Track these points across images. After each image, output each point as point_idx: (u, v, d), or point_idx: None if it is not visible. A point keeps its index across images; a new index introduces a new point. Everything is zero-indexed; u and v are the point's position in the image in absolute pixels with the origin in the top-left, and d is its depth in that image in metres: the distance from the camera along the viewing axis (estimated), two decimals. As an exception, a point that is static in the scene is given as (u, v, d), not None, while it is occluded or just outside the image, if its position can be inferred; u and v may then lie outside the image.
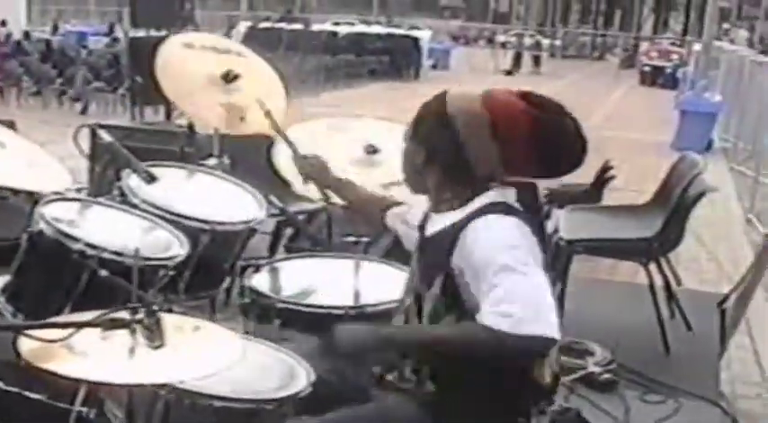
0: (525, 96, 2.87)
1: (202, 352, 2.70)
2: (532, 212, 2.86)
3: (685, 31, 52.54)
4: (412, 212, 3.23)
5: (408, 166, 3.00)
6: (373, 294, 3.58)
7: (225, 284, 4.45)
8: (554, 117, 2.86)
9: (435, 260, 2.83)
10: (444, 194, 2.92)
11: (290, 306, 3.54)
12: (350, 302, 3.55)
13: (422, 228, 3.02)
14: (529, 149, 2.83)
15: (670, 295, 6.16)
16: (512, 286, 2.60)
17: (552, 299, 2.66)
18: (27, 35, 24.50)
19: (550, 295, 2.66)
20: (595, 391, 5.09)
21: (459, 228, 2.77)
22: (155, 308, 2.43)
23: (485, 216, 2.75)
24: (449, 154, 2.85)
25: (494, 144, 2.81)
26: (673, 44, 41.26)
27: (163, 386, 2.78)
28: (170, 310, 3.03)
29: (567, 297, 5.89)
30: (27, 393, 3.08)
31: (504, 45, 41.15)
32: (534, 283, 2.64)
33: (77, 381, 2.56)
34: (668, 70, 32.05)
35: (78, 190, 5.29)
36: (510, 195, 2.84)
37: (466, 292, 2.74)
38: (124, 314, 2.45)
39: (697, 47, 22.71)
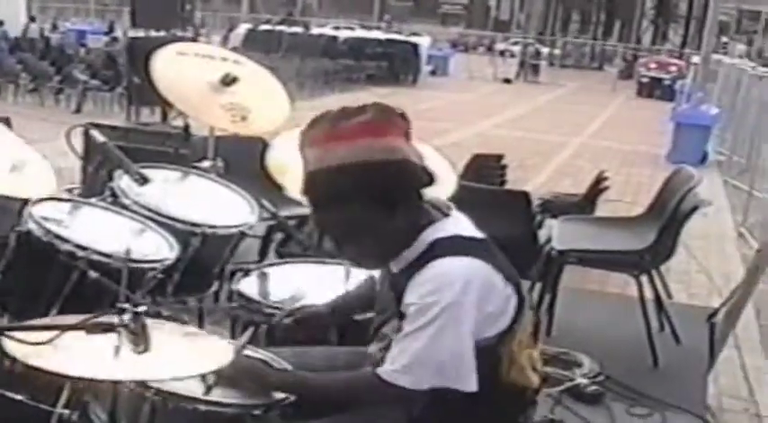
0: None
1: (190, 357, 2.70)
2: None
3: (684, 44, 52.75)
4: None
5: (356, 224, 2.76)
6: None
7: (214, 288, 4.44)
8: None
9: (393, 299, 2.83)
10: (384, 245, 2.81)
11: (278, 311, 3.53)
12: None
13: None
14: None
15: (660, 308, 6.15)
16: (418, 345, 2.65)
17: (451, 355, 2.66)
18: (26, 32, 24.52)
19: (451, 352, 2.65)
20: (582, 402, 5.09)
21: (415, 270, 2.72)
22: (140, 313, 2.42)
23: (438, 260, 2.68)
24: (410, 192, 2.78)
25: None
26: (671, 56, 41.35)
27: (148, 387, 2.77)
28: (159, 314, 3.03)
29: (557, 307, 5.90)
30: (9, 394, 3.06)
31: (502, 53, 41.18)
32: (448, 343, 2.64)
33: (60, 376, 2.55)
34: (666, 82, 32.08)
35: (70, 190, 5.30)
36: (456, 221, 2.82)
37: None
38: (110, 317, 2.44)
39: (695, 59, 22.78)
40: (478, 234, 2.82)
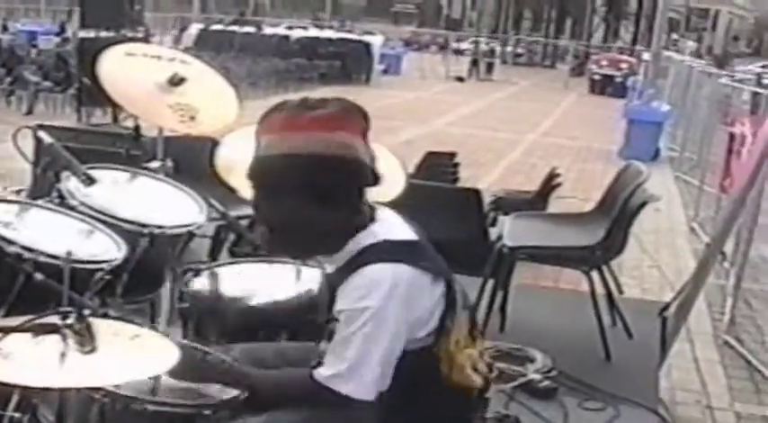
0: None
1: (136, 357, 2.68)
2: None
3: (635, 41, 53.13)
4: None
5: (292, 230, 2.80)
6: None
7: (164, 288, 4.42)
8: None
9: (326, 302, 2.86)
10: (319, 244, 2.85)
11: (230, 310, 3.53)
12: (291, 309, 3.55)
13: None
14: None
15: (612, 303, 6.19)
16: (350, 350, 2.67)
17: (381, 361, 2.68)
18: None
19: (382, 357, 2.68)
20: (535, 398, 5.11)
21: (345, 275, 2.73)
22: (85, 312, 2.40)
23: (366, 267, 2.69)
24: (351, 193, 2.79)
25: None
26: (622, 53, 41.64)
27: (96, 389, 2.75)
28: (106, 314, 3.01)
29: (510, 304, 5.92)
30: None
31: (462, 52, 41.34)
32: (376, 349, 2.67)
33: (6, 386, 2.53)
34: (618, 79, 32.33)
35: (18, 191, 5.26)
36: (387, 224, 2.82)
37: None
38: (55, 319, 2.42)
39: (646, 56, 22.95)
40: (409, 235, 2.83)
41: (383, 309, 2.64)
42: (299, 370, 2.82)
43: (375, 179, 2.75)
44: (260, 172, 2.73)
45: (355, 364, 2.66)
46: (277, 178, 2.70)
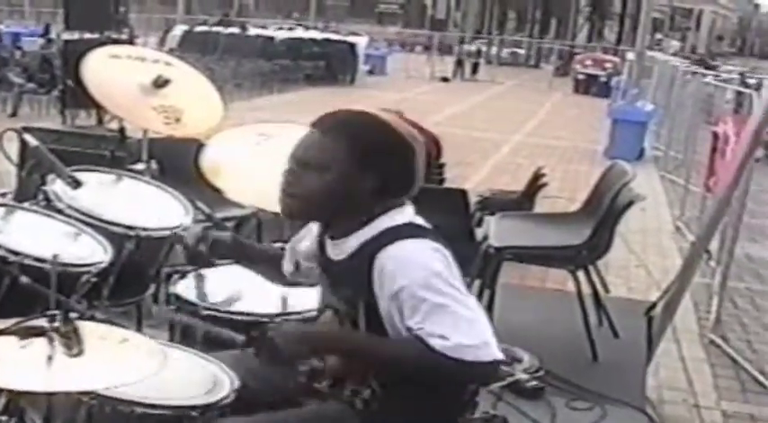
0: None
1: (123, 361, 2.67)
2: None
3: (619, 41, 53.26)
4: (297, 249, 3.15)
5: (337, 191, 2.74)
6: (300, 302, 3.56)
7: (151, 291, 4.41)
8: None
9: (353, 287, 2.76)
10: (344, 219, 2.81)
11: (215, 313, 3.52)
12: (276, 309, 3.54)
13: (322, 252, 2.94)
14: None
15: (598, 303, 6.20)
16: (454, 316, 2.57)
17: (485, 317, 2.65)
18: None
19: (483, 315, 2.66)
20: (523, 398, 5.11)
21: (369, 254, 2.69)
22: (71, 315, 2.40)
23: (398, 242, 2.67)
24: (402, 183, 2.81)
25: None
26: (606, 53, 41.72)
27: (84, 393, 2.74)
28: (92, 317, 3.00)
29: (496, 304, 5.91)
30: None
31: (450, 50, 41.36)
32: (471, 307, 2.63)
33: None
34: (602, 79, 32.36)
35: (3, 194, 5.24)
36: (409, 212, 2.82)
37: (390, 320, 2.68)
38: (41, 322, 2.42)
39: (630, 56, 22.99)
40: (426, 225, 2.83)
41: (449, 267, 2.66)
42: (408, 341, 2.66)
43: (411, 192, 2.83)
44: (348, 138, 2.74)
45: (468, 328, 2.58)
46: (350, 140, 2.72)
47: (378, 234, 2.73)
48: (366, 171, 2.72)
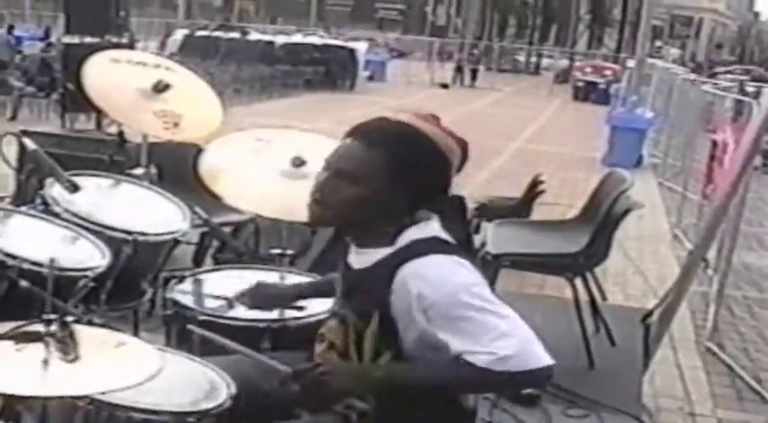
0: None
1: (120, 366, 2.67)
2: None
3: (619, 48, 53.30)
4: None
5: (370, 203, 2.71)
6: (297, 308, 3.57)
7: (148, 296, 4.41)
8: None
9: (369, 298, 2.71)
10: (373, 229, 2.77)
11: (212, 319, 3.52)
12: (273, 316, 3.55)
13: (344, 258, 2.91)
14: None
15: (595, 310, 6.20)
16: (490, 328, 2.54)
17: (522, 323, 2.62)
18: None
19: (520, 320, 2.62)
20: (519, 405, 5.10)
21: (393, 266, 2.65)
22: (68, 320, 2.40)
23: (426, 256, 2.64)
24: (435, 198, 2.79)
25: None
26: (606, 60, 41.77)
27: (80, 398, 2.75)
28: (89, 322, 3.01)
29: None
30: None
31: (450, 56, 41.40)
32: (506, 315, 2.59)
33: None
34: (601, 86, 32.47)
35: (1, 198, 5.24)
36: (435, 226, 2.78)
37: (405, 332, 2.66)
38: (38, 326, 2.42)
39: (630, 63, 23.03)
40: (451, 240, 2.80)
41: (478, 280, 2.64)
42: (451, 363, 2.60)
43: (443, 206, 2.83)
44: (389, 146, 2.72)
45: (507, 338, 2.55)
46: (389, 155, 2.69)
47: (404, 246, 2.71)
48: (401, 185, 2.69)
